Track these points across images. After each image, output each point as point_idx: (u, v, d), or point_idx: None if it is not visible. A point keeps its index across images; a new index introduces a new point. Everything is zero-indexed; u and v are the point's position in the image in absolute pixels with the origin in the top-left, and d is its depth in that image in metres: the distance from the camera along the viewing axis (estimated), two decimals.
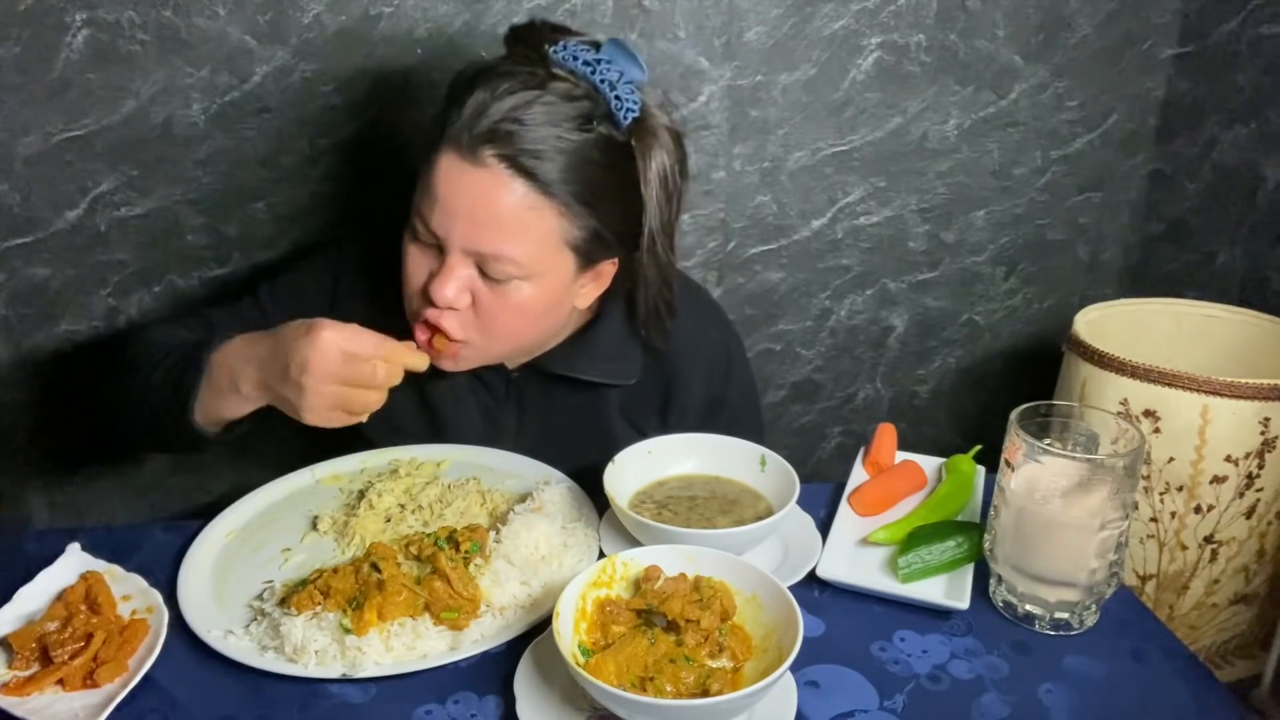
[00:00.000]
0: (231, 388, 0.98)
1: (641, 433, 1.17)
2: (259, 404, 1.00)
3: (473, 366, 1.10)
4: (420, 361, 1.00)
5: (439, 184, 0.99)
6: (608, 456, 1.06)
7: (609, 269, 1.09)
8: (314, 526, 1.05)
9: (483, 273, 1.01)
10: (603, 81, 0.99)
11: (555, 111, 0.97)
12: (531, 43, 1.01)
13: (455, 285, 1.00)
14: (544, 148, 0.96)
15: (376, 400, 0.97)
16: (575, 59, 0.99)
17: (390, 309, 1.09)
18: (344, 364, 0.93)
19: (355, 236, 1.24)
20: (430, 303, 1.02)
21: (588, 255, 1.04)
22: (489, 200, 0.97)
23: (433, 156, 1.00)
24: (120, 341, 1.19)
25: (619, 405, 1.19)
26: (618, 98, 0.99)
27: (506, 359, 1.14)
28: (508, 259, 0.99)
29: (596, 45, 1.01)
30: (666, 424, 1.20)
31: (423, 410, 1.19)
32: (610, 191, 1.02)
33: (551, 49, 0.99)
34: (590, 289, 1.10)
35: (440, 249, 1.01)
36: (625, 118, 1.00)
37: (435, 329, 1.04)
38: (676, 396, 1.19)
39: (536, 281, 1.02)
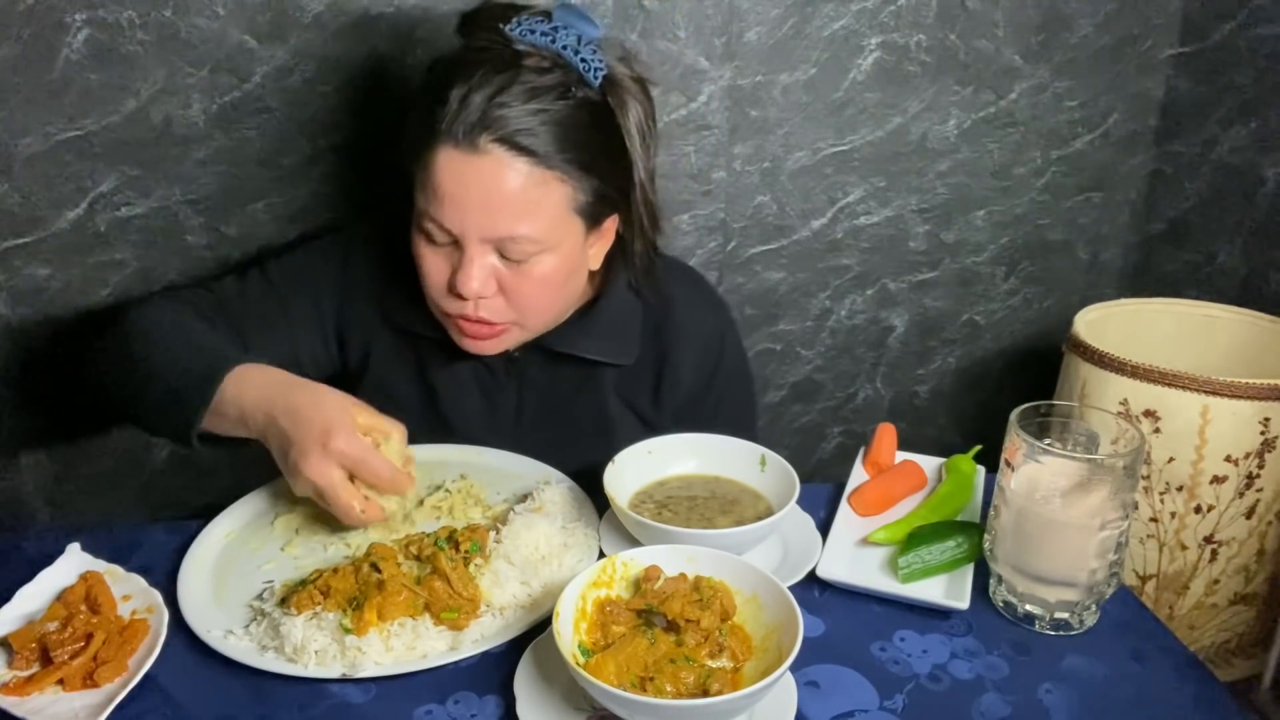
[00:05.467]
0: (238, 419, 0.97)
1: (636, 412, 1.21)
2: (255, 438, 0.99)
3: (515, 345, 1.13)
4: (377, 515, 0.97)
5: (443, 180, 0.99)
6: (603, 435, 1.13)
7: (611, 225, 1.12)
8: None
9: (503, 256, 1.03)
10: (565, 48, 1.01)
11: (535, 86, 0.98)
12: (487, 26, 1.03)
13: (480, 275, 1.02)
14: (535, 123, 0.98)
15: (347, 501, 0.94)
16: (533, 32, 1.01)
17: (396, 288, 1.15)
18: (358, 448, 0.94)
19: (361, 223, 1.26)
20: (459, 298, 1.04)
21: (594, 216, 1.07)
22: (498, 184, 0.98)
23: (427, 157, 1.00)
24: (120, 311, 1.16)
25: (615, 385, 1.20)
26: (584, 60, 1.02)
27: (544, 331, 1.15)
28: (525, 238, 1.01)
29: (548, 15, 1.04)
30: (659, 402, 1.22)
31: (423, 388, 1.20)
32: (602, 151, 1.04)
33: (507, 28, 1.01)
34: (598, 248, 1.12)
35: (456, 244, 1.02)
36: (595, 78, 1.03)
37: (476, 321, 1.05)
38: (669, 373, 1.21)
39: (555, 252, 1.04)
